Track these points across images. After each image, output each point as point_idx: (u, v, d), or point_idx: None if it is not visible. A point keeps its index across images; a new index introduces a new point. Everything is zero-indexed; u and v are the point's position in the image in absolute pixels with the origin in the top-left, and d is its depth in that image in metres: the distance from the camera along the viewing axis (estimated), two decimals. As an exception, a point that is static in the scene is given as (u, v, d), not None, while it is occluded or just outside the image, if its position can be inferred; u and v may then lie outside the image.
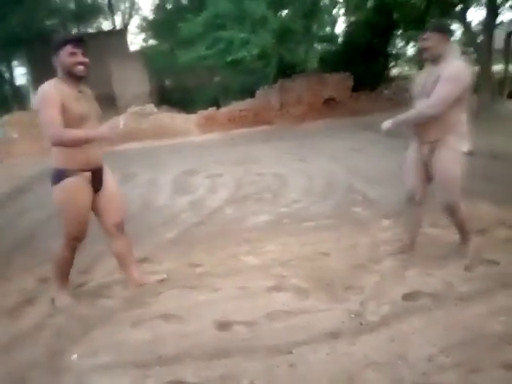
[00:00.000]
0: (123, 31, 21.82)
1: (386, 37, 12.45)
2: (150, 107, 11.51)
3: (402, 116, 2.60)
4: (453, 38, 2.64)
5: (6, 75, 16.54)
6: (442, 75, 2.39)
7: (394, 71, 14.91)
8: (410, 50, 16.10)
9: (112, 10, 23.01)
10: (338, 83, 11.42)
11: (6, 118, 10.56)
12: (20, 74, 21.78)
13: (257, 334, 2.15)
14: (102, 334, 2.26)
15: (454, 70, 2.40)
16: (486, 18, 8.03)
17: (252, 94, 11.65)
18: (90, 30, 23.24)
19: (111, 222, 2.60)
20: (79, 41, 2.31)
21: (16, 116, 10.84)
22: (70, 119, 2.24)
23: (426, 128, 2.55)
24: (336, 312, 2.28)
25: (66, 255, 2.55)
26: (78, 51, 2.27)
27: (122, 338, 2.20)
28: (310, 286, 2.61)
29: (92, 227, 3.76)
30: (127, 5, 24.23)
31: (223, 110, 11.64)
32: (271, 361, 1.93)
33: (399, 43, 14.52)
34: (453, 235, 3.19)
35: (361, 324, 2.16)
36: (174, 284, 2.77)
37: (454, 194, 2.59)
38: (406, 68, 15.64)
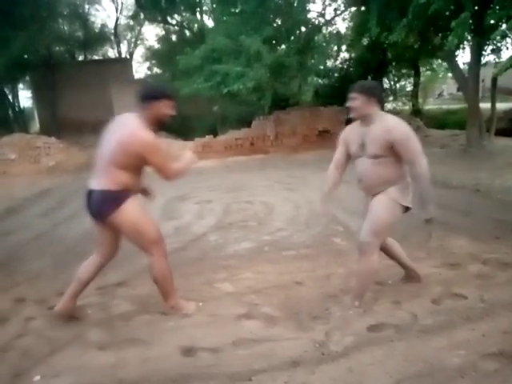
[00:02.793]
0: (128, 59, 22.51)
1: (380, 73, 12.87)
2: (148, 133, 11.73)
3: (426, 196, 2.49)
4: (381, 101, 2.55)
5: (10, 97, 16.92)
6: (396, 140, 2.40)
7: (388, 106, 15.31)
8: (406, 85, 16.68)
9: (118, 38, 23.84)
10: (332, 116, 11.72)
11: (5, 139, 10.75)
12: (25, 97, 22.33)
13: (220, 361, 2.17)
14: (68, 356, 2.28)
15: (401, 129, 2.43)
16: (471, 60, 8.37)
17: (249, 124, 11.93)
18: (96, 57, 24.00)
19: None
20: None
21: (16, 137, 11.04)
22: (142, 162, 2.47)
23: (369, 185, 2.62)
24: (301, 341, 2.31)
25: (164, 265, 2.59)
26: (174, 106, 2.53)
27: (86, 361, 2.22)
28: (280, 314, 2.64)
29: (71, 252, 3.81)
30: (133, 34, 25.06)
31: (220, 138, 11.88)
32: (229, 388, 1.95)
33: (394, 79, 15.05)
34: (426, 268, 3.26)
35: (323, 354, 2.19)
36: (146, 309, 2.79)
37: (370, 236, 2.54)
38: (400, 103, 16.09)
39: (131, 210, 2.43)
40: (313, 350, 2.23)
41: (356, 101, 2.52)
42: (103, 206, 2.42)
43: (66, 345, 2.38)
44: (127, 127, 2.39)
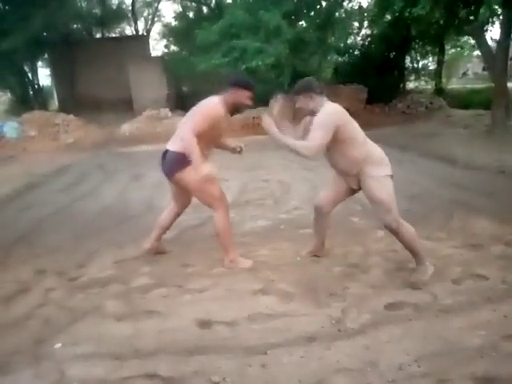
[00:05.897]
0: (145, 37, 22.33)
1: (402, 51, 12.41)
2: (165, 111, 11.74)
3: (282, 141, 2.63)
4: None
5: (30, 75, 17.05)
6: (313, 122, 2.58)
7: (410, 85, 14.85)
8: (430, 64, 16.11)
9: (135, 16, 23.62)
10: (352, 95, 11.41)
11: (26, 116, 10.90)
12: (44, 75, 22.48)
13: (236, 334, 2.18)
14: (87, 325, 2.33)
15: (320, 116, 2.55)
16: (500, 35, 7.98)
17: (266, 103, 11.75)
18: (113, 35, 23.89)
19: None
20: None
21: (35, 115, 11.20)
22: (215, 134, 2.86)
23: (342, 169, 2.74)
24: (317, 317, 2.30)
25: (226, 221, 2.98)
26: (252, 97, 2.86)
27: (104, 331, 2.26)
28: (296, 290, 2.63)
29: (89, 227, 3.86)
30: (150, 11, 24.80)
31: (237, 116, 11.68)
32: (245, 360, 1.96)
33: (417, 57, 14.52)
34: (447, 248, 3.20)
35: (339, 330, 2.17)
36: (164, 282, 2.82)
37: (387, 215, 2.63)
38: (423, 82, 15.56)
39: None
40: (329, 327, 2.21)
41: (298, 103, 2.68)
42: (172, 164, 2.81)
43: (85, 315, 2.43)
44: (211, 101, 2.79)
